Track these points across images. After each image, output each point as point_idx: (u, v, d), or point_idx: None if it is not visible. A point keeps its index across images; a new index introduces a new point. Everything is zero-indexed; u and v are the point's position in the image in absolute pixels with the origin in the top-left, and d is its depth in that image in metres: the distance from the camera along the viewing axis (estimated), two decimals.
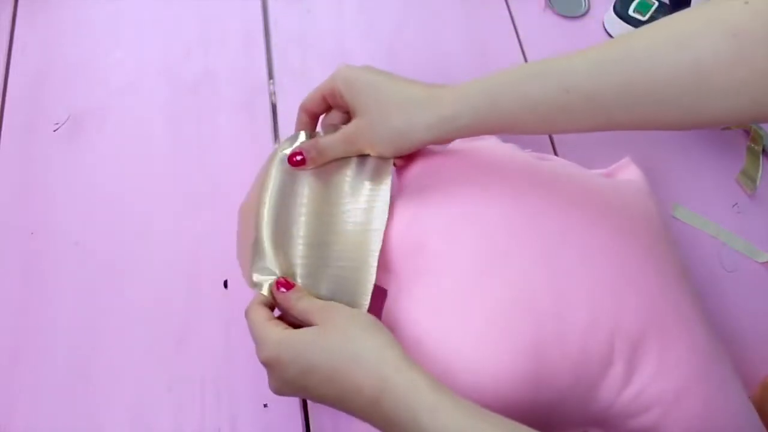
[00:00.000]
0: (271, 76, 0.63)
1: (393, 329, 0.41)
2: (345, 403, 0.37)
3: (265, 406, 0.48)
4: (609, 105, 0.40)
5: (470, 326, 0.41)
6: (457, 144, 0.52)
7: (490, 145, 0.52)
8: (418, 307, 0.42)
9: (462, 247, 0.43)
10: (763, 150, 0.63)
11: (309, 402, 0.48)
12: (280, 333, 0.40)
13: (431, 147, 0.49)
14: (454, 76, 0.65)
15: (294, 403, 0.48)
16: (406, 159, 0.50)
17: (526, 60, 0.66)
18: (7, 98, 0.60)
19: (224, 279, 0.52)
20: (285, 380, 0.39)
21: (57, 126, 0.59)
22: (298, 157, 0.47)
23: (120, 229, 0.54)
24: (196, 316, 0.51)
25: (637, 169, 0.53)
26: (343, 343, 0.38)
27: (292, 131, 0.60)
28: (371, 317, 0.40)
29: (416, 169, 0.48)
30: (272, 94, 0.62)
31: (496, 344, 0.40)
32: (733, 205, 0.60)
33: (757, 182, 0.61)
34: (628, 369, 0.41)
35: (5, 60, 0.62)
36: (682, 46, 0.38)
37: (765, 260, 0.57)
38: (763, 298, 0.54)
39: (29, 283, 0.52)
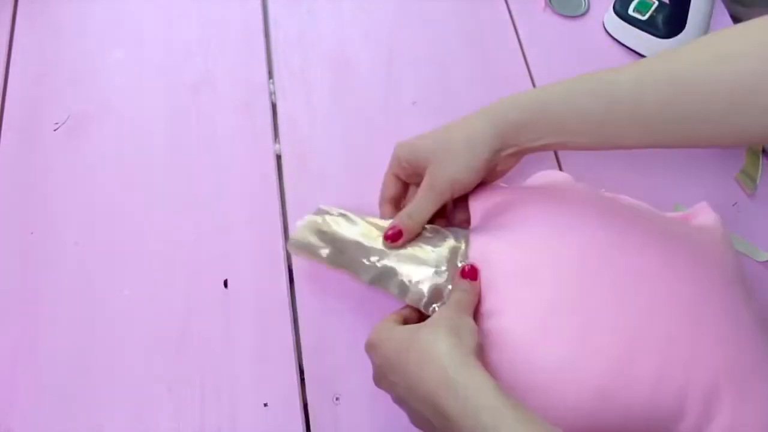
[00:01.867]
0: (271, 76, 0.63)
1: None
2: (411, 387, 0.38)
3: (265, 405, 0.48)
4: (654, 120, 0.40)
5: (538, 364, 0.41)
6: (530, 181, 0.53)
7: (563, 182, 0.52)
8: (486, 348, 0.42)
9: (534, 287, 0.43)
10: (763, 149, 0.63)
11: (309, 401, 0.48)
12: (392, 324, 0.43)
13: (502, 184, 0.51)
14: (454, 76, 0.65)
15: (294, 402, 0.48)
16: (476, 195, 0.50)
17: (526, 60, 0.66)
18: (7, 98, 0.60)
19: (224, 279, 0.52)
20: (381, 358, 0.41)
21: (57, 126, 0.59)
22: (391, 231, 0.47)
23: (120, 229, 0.54)
24: (196, 316, 0.51)
25: (714, 214, 0.51)
26: (421, 333, 0.39)
27: (291, 131, 0.60)
28: (463, 321, 0.40)
29: (487, 205, 0.49)
30: (272, 94, 0.62)
31: (563, 383, 0.40)
32: (733, 205, 0.60)
33: (757, 182, 0.61)
34: (700, 423, 0.40)
35: (5, 60, 0.62)
36: (726, 63, 0.38)
37: (765, 260, 0.57)
38: (763, 298, 0.54)
39: (29, 283, 0.52)
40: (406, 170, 0.49)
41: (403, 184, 0.51)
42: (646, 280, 0.42)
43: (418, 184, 0.50)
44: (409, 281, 0.46)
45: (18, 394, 0.48)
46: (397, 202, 0.51)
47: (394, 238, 0.47)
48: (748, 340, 0.43)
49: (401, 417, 0.48)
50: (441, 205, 0.48)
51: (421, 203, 0.47)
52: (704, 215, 0.51)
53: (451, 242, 0.48)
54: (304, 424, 0.48)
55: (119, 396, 0.48)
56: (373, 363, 0.42)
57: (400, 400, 0.41)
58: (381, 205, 0.51)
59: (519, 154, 0.48)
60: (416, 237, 0.48)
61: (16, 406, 0.47)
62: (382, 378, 0.41)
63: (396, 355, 0.39)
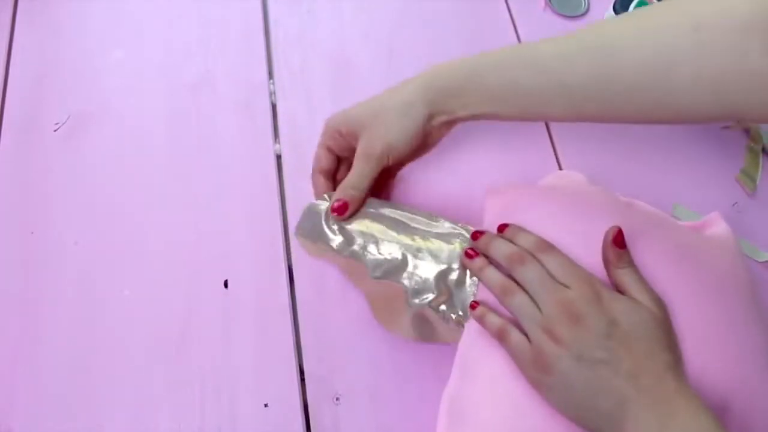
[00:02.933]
0: (271, 76, 0.63)
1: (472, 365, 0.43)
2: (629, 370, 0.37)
3: (266, 405, 0.48)
4: (579, 90, 0.41)
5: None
6: (546, 181, 0.53)
7: (579, 184, 0.52)
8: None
9: None
10: (763, 149, 0.63)
11: (310, 401, 0.48)
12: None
13: (515, 186, 0.50)
14: None
15: (294, 402, 0.48)
16: (492, 191, 0.50)
17: None
18: (7, 98, 0.60)
19: (224, 279, 0.52)
20: (610, 323, 0.39)
21: (57, 126, 0.59)
22: (337, 204, 0.47)
23: (120, 229, 0.54)
24: (196, 316, 0.51)
25: (726, 225, 0.50)
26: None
27: (291, 131, 0.60)
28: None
29: (501, 202, 0.48)
30: (272, 94, 0.62)
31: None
32: (733, 205, 0.60)
33: (757, 182, 0.61)
34: None
35: (5, 60, 0.62)
36: (647, 36, 0.38)
37: (765, 260, 0.57)
38: (763, 298, 0.54)
39: (29, 283, 0.52)
40: (338, 141, 0.49)
41: (335, 157, 0.51)
42: (658, 289, 0.41)
43: (348, 159, 0.50)
44: (419, 277, 0.46)
45: (18, 394, 0.48)
46: (329, 174, 0.51)
47: (340, 211, 0.47)
48: (758, 353, 0.42)
49: (401, 417, 0.48)
50: (378, 171, 0.48)
51: (360, 171, 0.47)
52: (716, 225, 0.50)
53: (464, 238, 0.47)
54: (304, 424, 0.48)
55: (119, 396, 0.48)
56: (589, 318, 0.39)
57: (573, 367, 0.38)
58: (313, 176, 0.51)
59: (451, 123, 0.48)
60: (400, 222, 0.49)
61: (16, 406, 0.47)
62: (594, 339, 0.38)
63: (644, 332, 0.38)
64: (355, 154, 0.48)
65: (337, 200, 0.47)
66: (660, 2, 0.41)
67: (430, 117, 0.47)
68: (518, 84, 0.43)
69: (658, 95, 0.39)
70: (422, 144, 0.48)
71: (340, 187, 0.48)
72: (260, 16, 0.67)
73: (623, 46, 0.39)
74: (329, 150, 0.50)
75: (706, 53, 0.37)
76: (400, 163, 0.50)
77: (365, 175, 0.47)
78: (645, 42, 0.39)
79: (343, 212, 0.47)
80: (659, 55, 0.38)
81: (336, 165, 0.51)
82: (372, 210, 0.49)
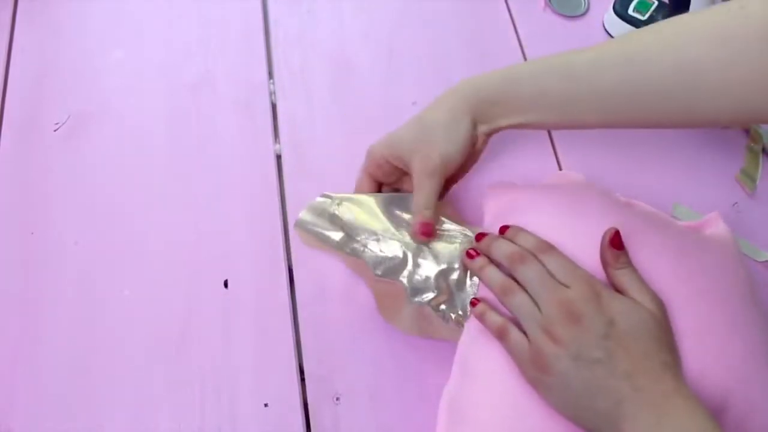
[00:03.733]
0: (271, 76, 0.63)
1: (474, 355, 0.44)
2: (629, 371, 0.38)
3: (266, 405, 0.48)
4: (610, 97, 0.42)
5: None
6: (546, 182, 0.53)
7: (578, 185, 0.52)
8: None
9: None
10: (763, 149, 0.63)
11: (309, 401, 0.48)
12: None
13: (515, 186, 0.51)
14: (454, 76, 0.64)
15: (294, 402, 0.48)
16: (490, 192, 0.51)
17: (525, 60, 0.66)
18: (7, 98, 0.60)
19: (224, 279, 0.52)
20: (607, 323, 0.39)
21: (57, 126, 0.59)
22: (423, 227, 0.46)
23: (120, 229, 0.54)
24: (196, 316, 0.51)
25: (725, 225, 0.49)
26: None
27: (291, 131, 0.60)
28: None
29: (500, 203, 0.49)
30: (272, 93, 0.62)
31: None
32: (733, 205, 0.60)
33: (757, 182, 0.61)
34: None
35: (5, 60, 0.62)
36: (674, 46, 0.40)
37: (765, 260, 0.57)
38: (763, 298, 0.54)
39: (29, 283, 0.52)
40: (384, 169, 0.49)
41: (378, 184, 0.51)
42: (657, 289, 0.41)
43: (390, 184, 0.51)
44: (419, 276, 0.46)
45: (18, 394, 0.48)
46: None
47: (426, 233, 0.46)
48: (758, 353, 0.42)
49: (401, 417, 0.48)
50: (441, 184, 0.48)
51: (426, 190, 0.47)
52: (716, 225, 0.50)
53: (466, 237, 0.47)
54: (304, 424, 0.48)
55: (119, 396, 0.48)
56: (586, 317, 0.39)
57: (571, 365, 0.38)
58: None
59: (491, 134, 0.49)
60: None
61: (16, 406, 0.47)
62: (592, 337, 0.38)
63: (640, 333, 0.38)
64: (414, 175, 0.47)
65: (421, 222, 0.46)
66: (685, 14, 0.42)
67: (474, 126, 0.47)
68: (551, 92, 0.44)
69: (685, 102, 0.41)
70: (470, 155, 0.49)
71: (415, 211, 0.47)
72: (260, 16, 0.67)
73: (651, 56, 0.41)
74: (372, 177, 0.51)
75: (730, 62, 0.38)
76: (454, 176, 0.50)
77: (431, 193, 0.47)
78: (672, 52, 0.40)
79: (430, 233, 0.47)
80: (687, 64, 0.39)
81: (378, 191, 0.52)
82: (375, 207, 0.49)
